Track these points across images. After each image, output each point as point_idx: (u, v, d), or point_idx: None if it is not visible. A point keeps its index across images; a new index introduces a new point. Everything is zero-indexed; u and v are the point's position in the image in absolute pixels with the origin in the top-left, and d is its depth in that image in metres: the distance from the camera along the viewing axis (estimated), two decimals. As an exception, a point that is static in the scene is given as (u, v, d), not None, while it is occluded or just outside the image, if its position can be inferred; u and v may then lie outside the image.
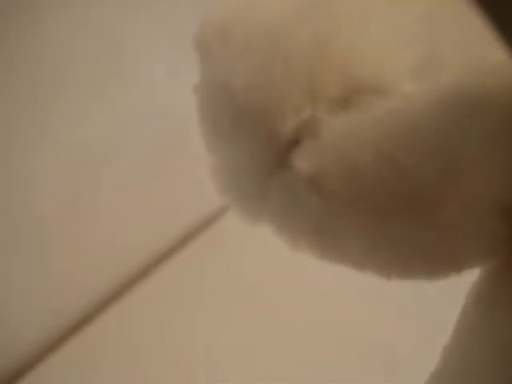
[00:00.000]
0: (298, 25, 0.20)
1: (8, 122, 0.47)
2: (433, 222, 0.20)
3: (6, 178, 0.48)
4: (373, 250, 0.20)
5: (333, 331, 0.49)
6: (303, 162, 0.19)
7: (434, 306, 0.48)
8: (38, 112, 0.48)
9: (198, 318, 0.51)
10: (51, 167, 0.50)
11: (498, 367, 0.21)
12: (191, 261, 0.55)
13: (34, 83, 0.47)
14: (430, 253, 0.20)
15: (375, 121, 0.19)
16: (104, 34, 0.50)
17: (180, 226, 0.56)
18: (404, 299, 0.48)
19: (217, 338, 0.50)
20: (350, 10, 0.20)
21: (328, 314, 0.50)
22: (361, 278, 0.48)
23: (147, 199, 0.55)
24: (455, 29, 0.20)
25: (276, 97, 0.19)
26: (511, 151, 0.19)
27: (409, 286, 0.45)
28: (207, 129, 0.21)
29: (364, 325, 0.49)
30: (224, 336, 0.50)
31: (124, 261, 0.54)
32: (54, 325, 0.52)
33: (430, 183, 0.19)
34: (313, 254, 0.21)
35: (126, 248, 0.54)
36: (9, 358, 0.50)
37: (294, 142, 0.20)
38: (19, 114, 0.47)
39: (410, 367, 0.45)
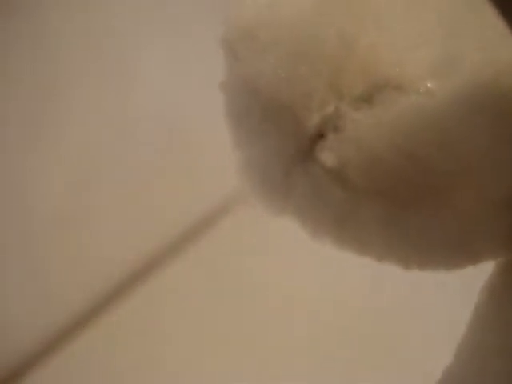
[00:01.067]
0: (323, 23, 0.21)
1: (7, 122, 0.47)
2: (451, 213, 0.21)
3: (5, 178, 0.48)
4: (393, 241, 0.21)
5: (334, 331, 0.49)
6: (327, 154, 0.20)
7: (436, 306, 0.48)
8: (37, 112, 0.48)
9: (199, 318, 0.51)
10: (50, 167, 0.50)
11: None
12: (192, 261, 0.55)
13: (33, 84, 0.47)
14: (448, 244, 0.21)
15: (396, 115, 0.20)
16: (104, 34, 0.50)
17: (180, 226, 0.56)
18: (406, 298, 0.48)
19: (217, 338, 0.50)
20: (372, 9, 0.21)
21: (329, 314, 0.50)
22: (364, 278, 0.48)
23: (147, 199, 0.55)
24: (474, 27, 0.21)
25: (301, 92, 0.20)
26: None
27: (411, 286, 0.45)
28: (234, 125, 0.22)
29: (366, 325, 0.49)
30: (225, 335, 0.50)
31: (124, 261, 0.54)
32: (54, 325, 0.52)
33: (448, 176, 0.20)
34: (334, 244, 0.22)
35: (126, 248, 0.54)
36: (8, 358, 0.50)
37: (319, 136, 0.21)
38: (18, 114, 0.47)
39: (411, 367, 0.45)
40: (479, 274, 0.24)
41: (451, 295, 0.47)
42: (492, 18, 0.21)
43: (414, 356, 0.46)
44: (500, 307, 0.22)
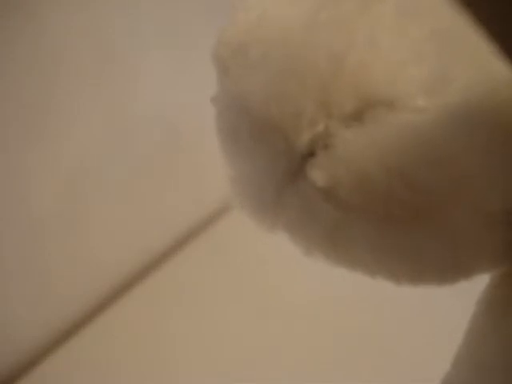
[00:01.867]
0: (312, 40, 0.20)
1: (7, 122, 0.47)
2: (440, 230, 0.20)
3: (6, 178, 0.48)
4: (384, 257, 0.21)
5: (333, 331, 0.49)
6: (318, 173, 0.20)
7: (435, 309, 0.48)
8: (37, 112, 0.48)
9: (198, 318, 0.52)
10: (51, 167, 0.50)
11: (509, 375, 0.21)
12: (191, 261, 0.55)
13: (32, 84, 0.47)
14: (440, 261, 0.21)
15: (387, 134, 0.20)
16: (104, 34, 0.50)
17: (180, 227, 0.56)
18: (405, 303, 0.48)
19: (217, 338, 0.50)
20: (362, 25, 0.21)
21: (329, 313, 0.50)
22: (363, 281, 0.48)
23: (147, 199, 0.55)
24: (465, 44, 0.20)
25: (291, 110, 0.20)
26: None
27: (410, 291, 0.45)
28: (225, 140, 0.22)
29: (365, 326, 0.49)
30: (225, 336, 0.50)
31: (124, 261, 0.54)
32: (54, 325, 0.52)
33: (440, 195, 0.20)
34: (326, 260, 0.22)
35: (126, 248, 0.54)
36: (8, 358, 0.50)
37: (309, 154, 0.20)
38: (18, 114, 0.47)
39: (410, 369, 0.45)
40: (478, 278, 0.24)
41: (451, 297, 0.47)
42: (484, 36, 0.20)
43: (414, 357, 0.46)
44: (495, 320, 0.22)
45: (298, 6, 0.21)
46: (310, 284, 0.52)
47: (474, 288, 0.24)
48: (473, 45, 0.20)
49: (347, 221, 0.20)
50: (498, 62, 0.19)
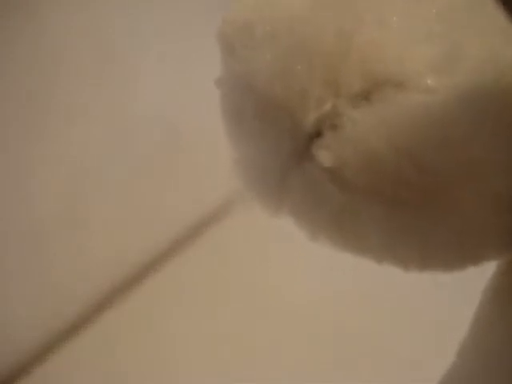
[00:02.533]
0: (320, 18, 0.20)
1: (7, 122, 0.47)
2: (447, 214, 0.20)
3: (6, 177, 0.48)
4: (391, 242, 0.21)
5: (333, 330, 0.49)
6: (324, 153, 0.20)
7: (436, 310, 0.48)
8: (37, 112, 0.48)
9: (198, 318, 0.52)
10: (51, 167, 0.50)
11: None
12: (191, 261, 0.55)
13: (32, 84, 0.47)
14: (447, 246, 0.21)
15: (396, 114, 0.19)
16: (104, 34, 0.50)
17: (180, 226, 0.56)
18: (405, 303, 0.48)
19: (217, 338, 0.50)
20: (371, 4, 0.20)
21: (329, 313, 0.50)
22: (363, 281, 0.48)
23: (147, 199, 0.55)
24: (475, 24, 0.20)
25: (298, 89, 0.20)
26: None
27: (407, 287, 0.45)
28: (230, 122, 0.22)
29: (365, 326, 0.49)
30: (225, 335, 0.50)
31: (124, 261, 0.54)
32: (54, 325, 0.52)
33: (448, 177, 0.20)
34: (332, 245, 0.22)
35: (126, 248, 0.54)
36: (8, 358, 0.50)
37: (316, 134, 0.20)
38: (18, 114, 0.47)
39: (410, 369, 0.45)
40: (481, 274, 0.24)
41: (451, 295, 0.47)
42: (494, 16, 0.20)
43: (414, 357, 0.46)
44: (502, 307, 0.22)
45: None
46: (309, 284, 0.52)
47: (480, 287, 0.24)
48: (483, 25, 0.20)
49: (354, 203, 0.20)
50: (508, 42, 0.19)
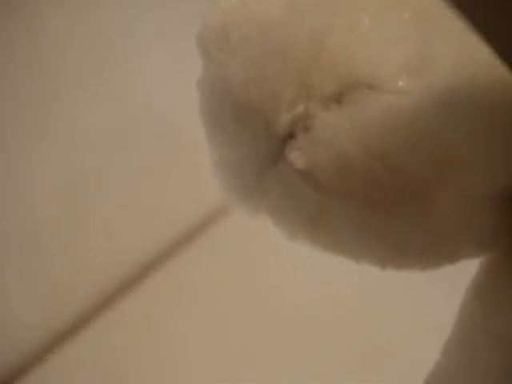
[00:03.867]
0: (293, 23, 0.20)
1: (7, 121, 0.47)
2: (424, 215, 0.20)
3: (6, 177, 0.48)
4: (367, 241, 0.21)
5: (333, 330, 0.49)
6: (297, 155, 0.20)
7: (436, 310, 0.48)
8: (38, 112, 0.48)
9: (198, 318, 0.52)
10: (50, 167, 0.50)
11: (500, 360, 0.21)
12: (191, 261, 0.55)
13: (32, 84, 0.47)
14: (423, 245, 0.21)
15: (368, 116, 0.20)
16: (104, 34, 0.50)
17: (180, 226, 0.56)
18: (405, 303, 0.48)
19: (217, 338, 0.50)
20: (344, 8, 0.21)
21: (329, 313, 0.50)
22: (363, 281, 0.48)
23: (147, 199, 0.55)
24: (448, 26, 0.20)
25: (271, 93, 0.20)
26: (501, 146, 0.20)
27: (406, 286, 0.45)
28: (208, 124, 0.22)
29: (365, 326, 0.49)
30: (225, 335, 0.50)
31: (124, 261, 0.54)
32: (54, 325, 0.52)
33: (420, 178, 0.20)
34: (310, 245, 0.22)
35: (126, 248, 0.54)
36: (8, 358, 0.50)
37: (289, 136, 0.20)
38: (18, 114, 0.47)
39: (407, 367, 0.45)
40: (470, 273, 0.24)
41: (452, 296, 0.47)
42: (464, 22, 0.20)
43: (414, 357, 0.46)
44: (485, 305, 0.22)
45: None
46: (309, 284, 0.52)
47: (463, 282, 0.24)
48: (455, 27, 0.20)
49: (329, 204, 0.20)
50: (481, 45, 0.19)
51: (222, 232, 0.57)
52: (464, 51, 0.20)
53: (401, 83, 0.20)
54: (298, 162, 0.20)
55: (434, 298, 0.48)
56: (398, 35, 0.20)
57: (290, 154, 0.20)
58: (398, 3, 0.21)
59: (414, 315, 0.49)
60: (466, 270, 0.24)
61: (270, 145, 0.21)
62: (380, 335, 0.48)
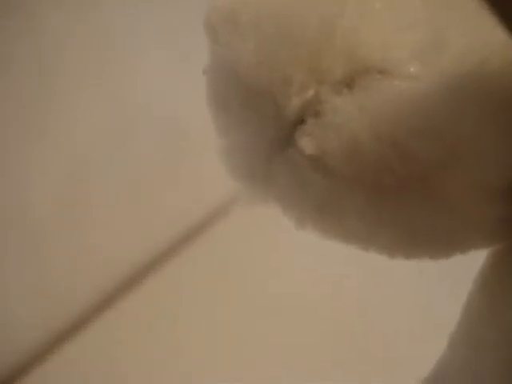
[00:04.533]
0: (304, 6, 0.20)
1: (8, 120, 0.47)
2: (433, 203, 0.20)
3: (6, 175, 0.48)
4: (376, 229, 0.21)
5: (333, 330, 0.49)
6: (306, 140, 0.20)
7: (436, 310, 0.48)
8: (38, 111, 0.48)
9: (198, 318, 0.51)
10: (50, 168, 0.50)
11: (506, 351, 0.21)
12: (191, 261, 0.55)
13: (32, 83, 0.47)
14: (432, 234, 0.21)
15: (379, 101, 0.19)
16: (104, 34, 0.50)
17: (180, 226, 0.56)
18: (405, 302, 0.48)
19: (217, 338, 0.50)
20: None
21: (329, 313, 0.50)
22: (363, 281, 0.48)
23: (147, 199, 0.55)
24: (459, 12, 0.20)
25: (281, 76, 0.20)
26: (510, 132, 0.20)
27: (406, 283, 0.45)
28: (216, 110, 0.22)
29: (365, 326, 0.49)
30: (225, 335, 0.50)
31: (124, 261, 0.54)
32: (54, 325, 0.52)
33: (431, 165, 0.20)
34: (318, 233, 0.21)
35: (126, 248, 0.54)
36: (8, 358, 0.50)
37: (299, 121, 0.20)
38: (19, 112, 0.47)
39: (407, 365, 0.45)
40: (473, 270, 0.24)
41: (453, 292, 0.47)
42: (478, 3, 0.20)
43: (414, 357, 0.46)
44: (492, 297, 0.22)
45: None
46: (309, 284, 0.52)
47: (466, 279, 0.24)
48: (467, 12, 0.20)
49: (338, 191, 0.20)
50: (492, 30, 0.19)
51: (221, 232, 0.57)
52: (476, 36, 0.20)
53: (412, 69, 0.19)
54: (307, 147, 0.20)
55: (434, 294, 0.48)
56: (409, 20, 0.20)
57: (299, 140, 0.20)
58: None
59: (414, 311, 0.49)
60: (467, 268, 0.24)
61: (279, 130, 0.20)
62: (380, 332, 0.48)
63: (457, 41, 0.20)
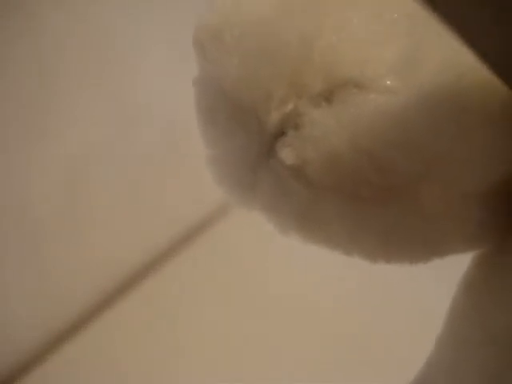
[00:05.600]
0: (285, 23, 0.21)
1: (8, 121, 0.47)
2: (411, 210, 0.21)
3: (6, 176, 0.48)
4: (356, 235, 0.21)
5: (332, 330, 0.49)
6: (287, 152, 0.21)
7: (432, 304, 0.48)
8: (38, 111, 0.48)
9: (198, 318, 0.52)
10: (50, 168, 0.50)
11: (492, 351, 0.21)
12: (191, 261, 0.55)
13: (32, 83, 0.47)
14: (410, 239, 0.21)
15: (356, 114, 0.20)
16: (104, 34, 0.50)
17: (180, 226, 0.56)
18: (400, 296, 0.48)
19: (217, 338, 0.50)
20: (333, 8, 0.21)
21: (329, 313, 0.50)
22: (363, 282, 0.48)
23: (147, 199, 0.55)
24: (436, 27, 0.21)
25: (262, 92, 0.21)
26: (486, 145, 0.20)
27: (405, 284, 0.45)
28: (203, 121, 0.23)
29: (365, 327, 0.49)
30: (225, 336, 0.50)
31: (124, 261, 0.54)
32: (54, 325, 0.52)
33: (407, 176, 0.20)
34: (302, 240, 0.22)
35: (126, 248, 0.54)
36: (8, 358, 0.50)
37: (280, 134, 0.21)
38: (18, 113, 0.47)
39: (407, 366, 0.45)
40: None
41: (446, 293, 0.47)
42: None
43: (408, 351, 0.46)
44: (477, 298, 0.23)
45: None
46: (309, 284, 0.52)
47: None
48: (443, 29, 0.20)
49: (318, 199, 0.21)
50: None
51: (221, 232, 0.57)
52: (452, 52, 0.20)
53: (388, 82, 0.20)
54: (287, 158, 0.20)
55: (433, 295, 0.48)
56: (386, 35, 0.21)
57: (280, 151, 0.21)
58: (386, 4, 0.21)
59: (414, 313, 0.49)
60: (466, 269, 0.24)
61: (262, 142, 0.21)
62: (379, 333, 0.48)
63: (434, 56, 0.20)
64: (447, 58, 0.20)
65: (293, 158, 0.20)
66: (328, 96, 0.20)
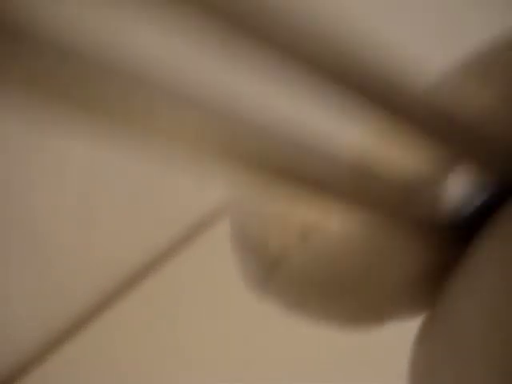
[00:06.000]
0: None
1: (9, 121, 0.47)
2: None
3: (9, 176, 0.48)
4: (327, 321, 0.25)
5: (330, 330, 0.49)
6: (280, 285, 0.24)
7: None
8: (38, 111, 0.48)
9: (198, 318, 0.52)
10: (50, 167, 0.50)
11: None
12: (191, 261, 0.55)
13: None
14: (362, 322, 0.25)
15: (322, 251, 0.23)
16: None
17: (180, 226, 0.56)
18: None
19: (217, 338, 0.50)
20: None
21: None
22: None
23: (147, 199, 0.55)
24: None
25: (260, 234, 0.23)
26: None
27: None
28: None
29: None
30: (225, 336, 0.50)
31: (124, 261, 0.54)
32: (55, 325, 0.52)
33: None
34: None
35: (126, 248, 0.54)
36: (8, 358, 0.50)
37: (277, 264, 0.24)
38: (19, 113, 0.47)
39: (405, 365, 0.45)
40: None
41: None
42: None
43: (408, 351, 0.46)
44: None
45: None
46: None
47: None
48: None
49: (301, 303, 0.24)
50: None
51: (221, 232, 0.56)
52: None
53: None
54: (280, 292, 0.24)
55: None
56: None
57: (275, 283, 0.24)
58: None
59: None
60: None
61: (261, 267, 0.24)
62: (379, 332, 0.48)
63: None
64: None
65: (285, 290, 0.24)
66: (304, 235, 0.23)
